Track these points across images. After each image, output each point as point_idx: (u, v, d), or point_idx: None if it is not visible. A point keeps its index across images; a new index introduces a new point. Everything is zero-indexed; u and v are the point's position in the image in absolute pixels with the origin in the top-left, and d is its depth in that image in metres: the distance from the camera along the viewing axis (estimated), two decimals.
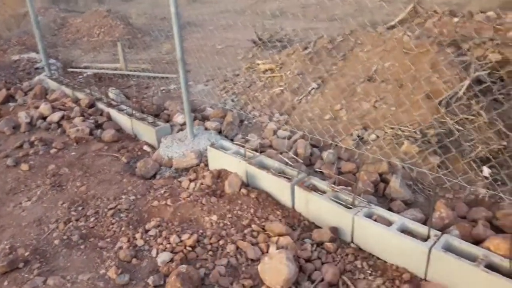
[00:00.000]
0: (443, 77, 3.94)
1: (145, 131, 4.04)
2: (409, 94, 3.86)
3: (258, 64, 5.77)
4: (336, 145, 3.61)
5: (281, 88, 4.83)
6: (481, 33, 4.90)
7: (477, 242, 2.43)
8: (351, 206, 2.63)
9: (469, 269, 2.17)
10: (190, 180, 3.24)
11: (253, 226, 2.69)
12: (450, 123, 3.36)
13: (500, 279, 2.08)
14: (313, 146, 3.69)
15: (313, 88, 4.68)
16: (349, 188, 2.83)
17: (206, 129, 4.04)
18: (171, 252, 2.56)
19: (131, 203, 3.06)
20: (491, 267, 2.18)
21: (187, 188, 3.15)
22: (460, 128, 3.41)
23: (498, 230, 2.59)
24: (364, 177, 3.05)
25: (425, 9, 6.36)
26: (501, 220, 2.65)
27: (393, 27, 5.59)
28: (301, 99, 4.54)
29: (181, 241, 2.62)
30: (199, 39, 8.42)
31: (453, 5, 6.47)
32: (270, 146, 3.69)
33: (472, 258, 2.23)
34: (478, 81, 3.96)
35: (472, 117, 3.50)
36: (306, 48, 5.44)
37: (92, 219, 2.95)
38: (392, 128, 3.59)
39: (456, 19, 5.04)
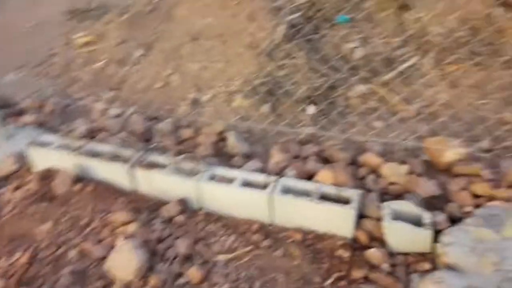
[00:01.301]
0: (261, 26, 4.06)
1: None
2: (233, 49, 3.90)
3: (76, 39, 5.20)
4: (172, 113, 3.50)
5: (105, 61, 4.45)
6: None
7: (311, 177, 2.63)
8: (194, 173, 2.60)
9: (306, 204, 2.34)
10: (13, 189, 2.82)
11: (95, 222, 2.48)
12: (272, 70, 3.50)
13: (331, 206, 2.29)
14: (150, 119, 3.52)
15: (140, 55, 4.42)
16: (190, 155, 2.78)
17: (24, 125, 3.52)
18: (3, 277, 2.22)
19: None
20: (324, 197, 2.39)
21: (11, 200, 2.74)
22: (283, 73, 3.59)
23: (327, 161, 2.84)
24: (203, 141, 3.03)
25: None
26: (327, 151, 2.91)
27: None
28: (128, 69, 4.25)
29: (12, 262, 2.29)
30: (1, 21, 7.21)
31: None
32: (102, 129, 3.40)
33: (307, 194, 2.41)
34: (292, 25, 4.17)
35: (292, 61, 3.71)
36: (124, 14, 5.06)
37: None
38: (223, 86, 3.60)
39: None
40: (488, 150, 2.68)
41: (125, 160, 2.75)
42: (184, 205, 2.58)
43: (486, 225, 2.05)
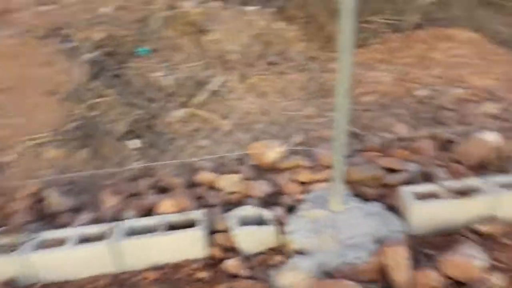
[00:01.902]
0: (60, 70, 3.78)
1: None
2: (31, 99, 3.51)
3: None
4: None
5: None
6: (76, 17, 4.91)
7: (152, 210, 2.52)
8: (15, 247, 2.22)
9: (153, 239, 2.25)
10: None
11: None
12: (83, 112, 3.28)
13: (179, 233, 2.25)
14: None
15: None
16: (5, 228, 2.38)
17: None
18: None
19: None
20: (172, 226, 2.33)
21: None
22: (96, 113, 3.39)
23: (165, 191, 2.76)
24: (17, 207, 2.62)
25: None
26: (163, 181, 2.84)
27: None
28: None
29: None
30: None
31: None
32: None
33: (153, 229, 2.30)
34: (94, 63, 3.99)
35: (103, 99, 3.54)
36: None
37: None
38: (28, 141, 3.20)
39: (46, 7, 4.84)
40: (301, 143, 3.02)
41: None
42: (12, 286, 2.18)
43: (316, 206, 2.30)
